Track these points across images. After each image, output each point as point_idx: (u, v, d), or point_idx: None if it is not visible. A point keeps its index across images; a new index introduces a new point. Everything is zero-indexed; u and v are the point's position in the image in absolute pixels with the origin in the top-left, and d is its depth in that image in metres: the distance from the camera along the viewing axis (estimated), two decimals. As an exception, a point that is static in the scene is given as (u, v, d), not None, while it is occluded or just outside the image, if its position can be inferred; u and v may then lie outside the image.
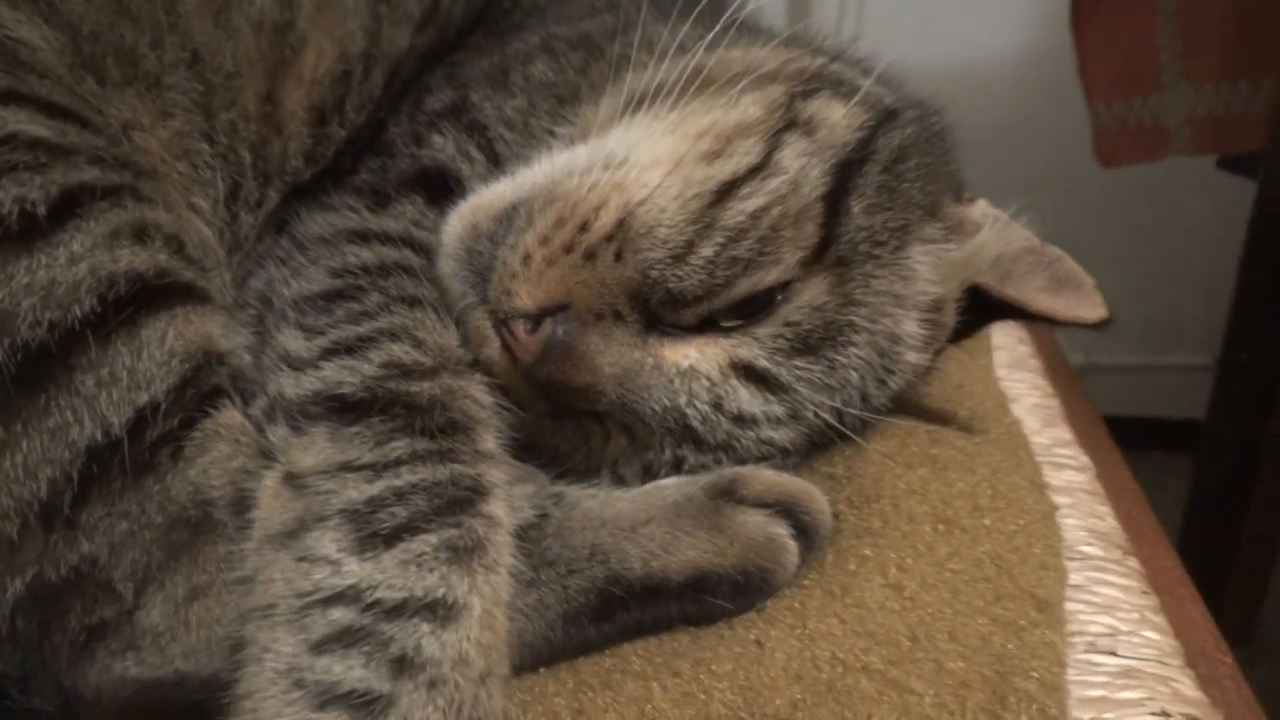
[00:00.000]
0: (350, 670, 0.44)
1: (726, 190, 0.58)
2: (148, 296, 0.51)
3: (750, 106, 0.62)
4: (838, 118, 0.63)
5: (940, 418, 0.71)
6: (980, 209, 0.67)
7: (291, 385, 0.54)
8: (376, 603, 0.45)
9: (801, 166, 0.59)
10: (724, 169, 0.59)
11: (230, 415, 0.52)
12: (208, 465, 0.50)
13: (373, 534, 0.47)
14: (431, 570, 0.47)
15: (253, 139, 0.68)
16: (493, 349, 0.58)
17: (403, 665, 0.44)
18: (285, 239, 0.66)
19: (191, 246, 0.59)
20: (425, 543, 0.47)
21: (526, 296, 0.56)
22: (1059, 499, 0.70)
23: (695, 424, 0.57)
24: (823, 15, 2.12)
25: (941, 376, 0.78)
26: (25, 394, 0.47)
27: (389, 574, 0.46)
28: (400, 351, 0.55)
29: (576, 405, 0.57)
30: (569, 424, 0.59)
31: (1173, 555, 0.75)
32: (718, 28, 0.69)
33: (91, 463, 0.47)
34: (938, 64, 2.12)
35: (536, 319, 0.56)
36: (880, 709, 0.48)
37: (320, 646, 0.45)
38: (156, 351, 0.50)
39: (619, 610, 0.53)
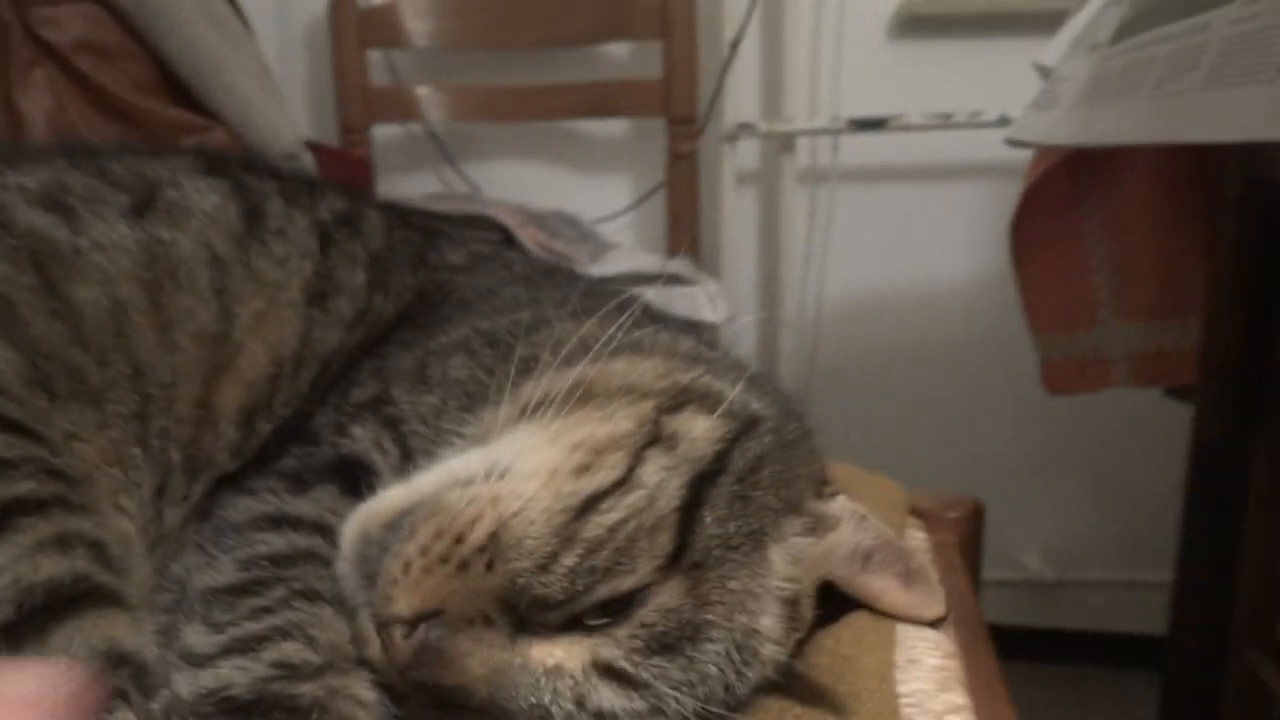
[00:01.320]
0: None
1: (590, 504, 0.64)
2: (61, 604, 0.56)
3: (623, 421, 0.69)
4: (700, 431, 0.69)
5: (817, 695, 0.76)
6: (839, 505, 0.74)
7: (188, 684, 0.59)
8: None
9: (659, 481, 0.65)
10: (590, 483, 0.65)
11: (125, 716, 0.56)
12: None
13: None
14: None
15: (184, 440, 0.75)
16: (374, 650, 0.63)
17: None
18: (207, 526, 0.72)
19: (114, 546, 0.64)
20: None
21: (403, 603, 0.61)
22: (941, 771, 0.74)
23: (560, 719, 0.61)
24: (791, 247, 2.27)
25: (835, 645, 0.84)
26: None
27: None
28: (291, 650, 0.60)
29: (452, 701, 0.62)
30: (448, 717, 0.63)
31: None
32: (610, 333, 0.75)
33: None
34: (900, 288, 2.27)
35: (412, 624, 0.61)
36: None
37: None
38: (62, 656, 0.54)
39: None
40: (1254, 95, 1.02)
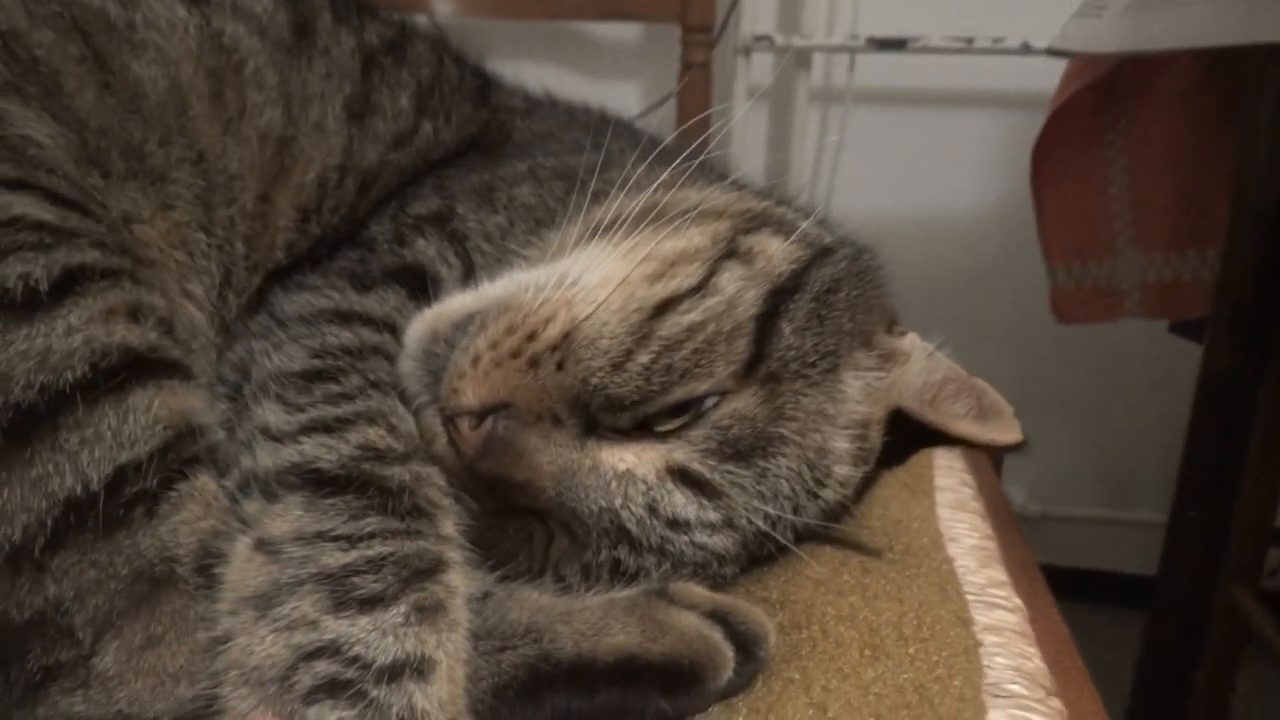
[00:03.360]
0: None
1: (665, 306, 0.63)
2: (138, 367, 0.55)
3: (696, 237, 0.68)
4: (775, 251, 0.68)
5: (876, 549, 0.74)
6: (910, 341, 0.73)
7: (269, 456, 0.57)
8: (358, 659, 0.48)
9: (737, 289, 0.64)
10: (665, 288, 0.64)
11: (205, 482, 0.55)
12: (178, 524, 0.53)
13: (348, 598, 0.50)
14: (406, 633, 0.50)
15: (247, 233, 0.74)
16: (441, 445, 0.61)
17: None
18: (263, 315, 0.71)
19: (181, 329, 0.63)
20: (398, 610, 0.51)
21: (471, 395, 0.60)
22: (990, 637, 0.73)
23: (630, 526, 0.60)
24: (800, 168, 2.22)
25: (883, 512, 0.82)
26: (12, 447, 0.50)
27: (367, 635, 0.49)
28: (376, 435, 0.59)
29: (518, 501, 0.60)
30: (513, 523, 0.62)
31: (1096, 700, 0.77)
32: (675, 164, 0.75)
33: (68, 513, 0.50)
34: (907, 216, 2.23)
35: (480, 416, 0.59)
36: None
37: (310, 697, 0.47)
38: (141, 417, 0.53)
39: (546, 690, 0.55)
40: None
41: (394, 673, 0.49)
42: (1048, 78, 1.75)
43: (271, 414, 0.60)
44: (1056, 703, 0.70)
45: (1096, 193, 1.71)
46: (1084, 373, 2.23)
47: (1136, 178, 1.70)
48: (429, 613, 0.51)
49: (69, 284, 0.55)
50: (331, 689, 0.48)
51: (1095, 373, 2.23)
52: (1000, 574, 0.85)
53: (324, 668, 0.48)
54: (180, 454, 0.54)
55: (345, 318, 0.68)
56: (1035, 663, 0.74)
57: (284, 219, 0.76)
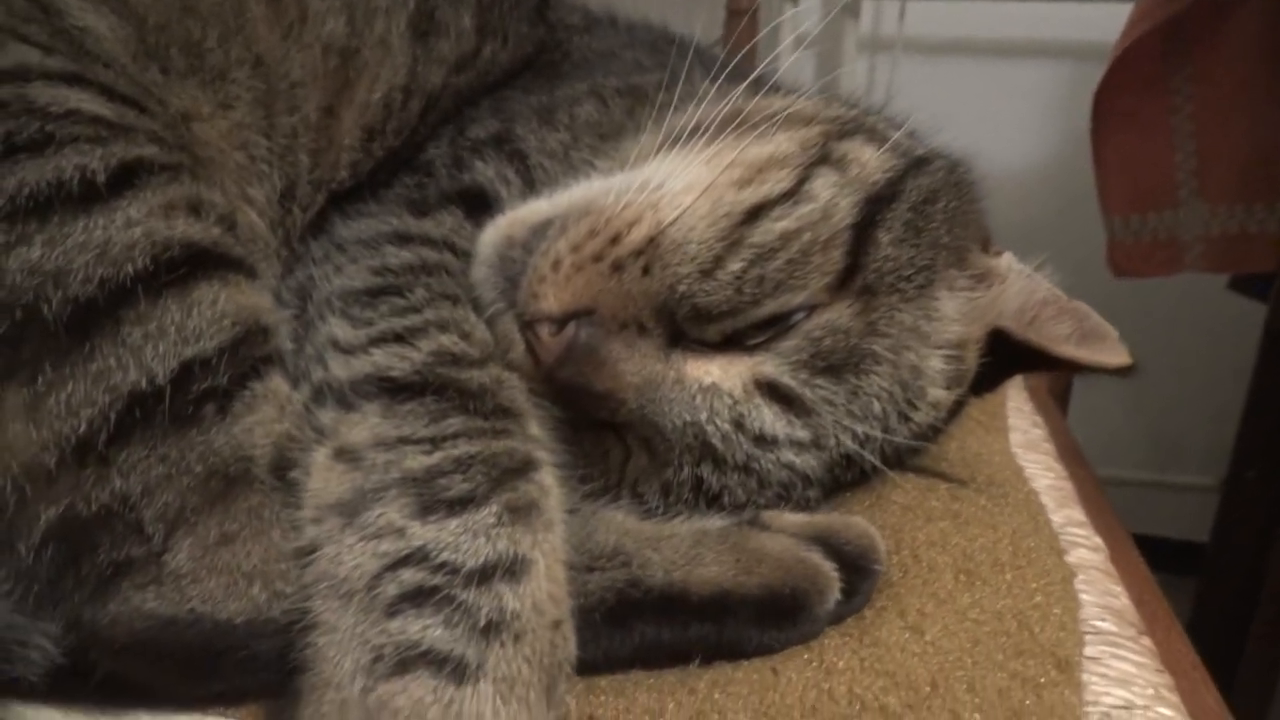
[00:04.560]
0: (428, 630, 0.44)
1: (757, 212, 0.59)
2: (201, 261, 0.53)
3: (785, 142, 0.64)
4: (869, 158, 0.64)
5: (960, 479, 0.71)
6: (1006, 260, 0.69)
7: (342, 367, 0.55)
8: (446, 565, 0.46)
9: (831, 196, 0.61)
10: (755, 194, 0.60)
11: (278, 384, 0.53)
12: (253, 424, 0.51)
13: (435, 501, 0.48)
14: (499, 533, 0.48)
15: (311, 146, 0.71)
16: (518, 353, 0.58)
17: (489, 627, 0.45)
18: (323, 240, 0.69)
19: (242, 230, 0.61)
20: (489, 510, 0.48)
21: (553, 300, 0.57)
22: (1076, 575, 0.70)
23: (715, 441, 0.56)
24: (847, 115, 2.17)
25: (961, 445, 0.79)
26: (74, 341, 0.48)
27: (457, 538, 0.47)
28: (449, 341, 0.56)
29: (597, 413, 0.57)
30: (589, 438, 0.59)
31: (1185, 640, 0.74)
32: (754, 74, 0.72)
33: (132, 407, 0.48)
34: (956, 169, 2.17)
35: (561, 322, 0.57)
36: (894, 750, 0.47)
37: (392, 608, 0.45)
38: (208, 311, 0.51)
39: (634, 617, 0.52)
40: None
41: (484, 575, 0.46)
42: (1105, 27, 1.69)
43: (339, 329, 0.58)
44: (1147, 641, 0.67)
45: (1159, 142, 1.66)
46: (1135, 333, 2.16)
47: (1202, 127, 1.64)
48: (522, 512, 0.49)
49: (127, 177, 0.53)
50: (417, 597, 0.45)
51: (1146, 333, 2.16)
52: (1078, 514, 0.82)
53: (410, 576, 0.46)
54: (252, 352, 0.52)
55: (404, 239, 0.65)
56: (1123, 600, 0.71)
57: (349, 136, 0.73)
